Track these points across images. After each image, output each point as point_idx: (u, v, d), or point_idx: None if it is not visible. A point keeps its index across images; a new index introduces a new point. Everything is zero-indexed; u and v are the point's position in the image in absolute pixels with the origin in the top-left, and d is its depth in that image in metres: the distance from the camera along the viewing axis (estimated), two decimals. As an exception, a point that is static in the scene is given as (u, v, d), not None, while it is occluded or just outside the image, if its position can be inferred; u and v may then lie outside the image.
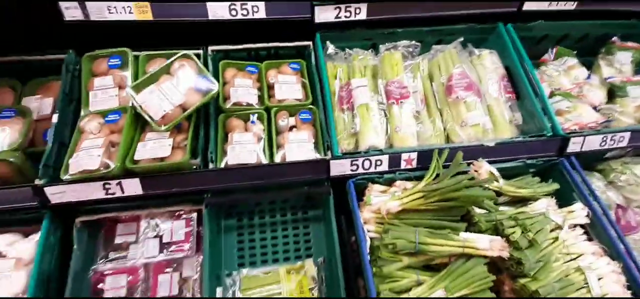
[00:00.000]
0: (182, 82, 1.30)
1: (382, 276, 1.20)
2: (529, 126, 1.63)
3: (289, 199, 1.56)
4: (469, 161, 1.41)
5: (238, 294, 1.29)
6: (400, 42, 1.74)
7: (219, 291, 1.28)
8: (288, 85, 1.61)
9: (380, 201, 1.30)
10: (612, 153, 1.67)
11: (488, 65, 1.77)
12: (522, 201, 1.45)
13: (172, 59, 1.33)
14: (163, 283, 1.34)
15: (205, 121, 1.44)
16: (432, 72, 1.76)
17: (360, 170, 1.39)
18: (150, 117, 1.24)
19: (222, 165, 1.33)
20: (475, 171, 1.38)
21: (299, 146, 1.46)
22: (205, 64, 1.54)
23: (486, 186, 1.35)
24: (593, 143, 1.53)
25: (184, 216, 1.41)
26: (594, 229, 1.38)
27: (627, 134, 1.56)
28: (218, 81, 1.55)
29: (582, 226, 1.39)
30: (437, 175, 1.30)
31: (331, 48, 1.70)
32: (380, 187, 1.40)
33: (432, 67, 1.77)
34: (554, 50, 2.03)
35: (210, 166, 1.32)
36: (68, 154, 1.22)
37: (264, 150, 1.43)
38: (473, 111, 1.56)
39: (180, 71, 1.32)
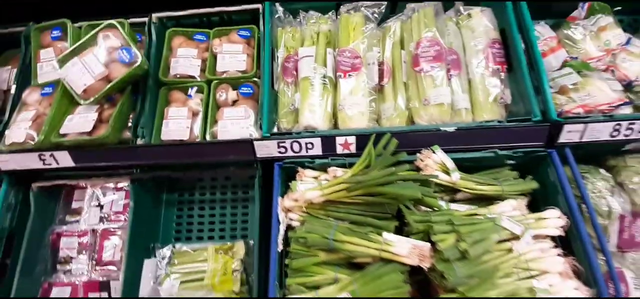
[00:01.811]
0: (104, 54, 1.27)
1: (294, 270, 1.13)
2: (519, 106, 1.32)
3: (231, 178, 1.53)
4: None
5: (166, 270, 1.34)
6: (365, 2, 1.49)
7: (147, 263, 1.34)
8: (232, 55, 1.50)
9: (306, 188, 1.19)
10: (632, 146, 1.29)
11: (477, 28, 1.44)
12: (489, 200, 1.21)
13: (96, 29, 1.30)
14: (108, 247, 1.44)
15: (144, 94, 1.43)
16: (405, 39, 1.49)
17: (290, 153, 1.28)
18: (73, 90, 1.26)
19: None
20: (421, 160, 1.18)
21: (233, 123, 1.38)
22: (149, 33, 1.50)
23: (436, 180, 1.15)
24: (600, 133, 1.19)
25: (125, 188, 1.46)
26: (576, 243, 1.11)
27: (656, 123, 1.17)
28: (162, 51, 1.52)
29: (560, 237, 1.13)
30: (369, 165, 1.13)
31: (281, 11, 1.52)
32: (313, 172, 1.28)
33: (405, 32, 1.49)
34: (586, 5, 1.57)
35: (139, 141, 1.32)
36: (7, 126, 1.31)
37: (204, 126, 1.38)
38: (438, 86, 1.30)
39: (104, 42, 1.29)
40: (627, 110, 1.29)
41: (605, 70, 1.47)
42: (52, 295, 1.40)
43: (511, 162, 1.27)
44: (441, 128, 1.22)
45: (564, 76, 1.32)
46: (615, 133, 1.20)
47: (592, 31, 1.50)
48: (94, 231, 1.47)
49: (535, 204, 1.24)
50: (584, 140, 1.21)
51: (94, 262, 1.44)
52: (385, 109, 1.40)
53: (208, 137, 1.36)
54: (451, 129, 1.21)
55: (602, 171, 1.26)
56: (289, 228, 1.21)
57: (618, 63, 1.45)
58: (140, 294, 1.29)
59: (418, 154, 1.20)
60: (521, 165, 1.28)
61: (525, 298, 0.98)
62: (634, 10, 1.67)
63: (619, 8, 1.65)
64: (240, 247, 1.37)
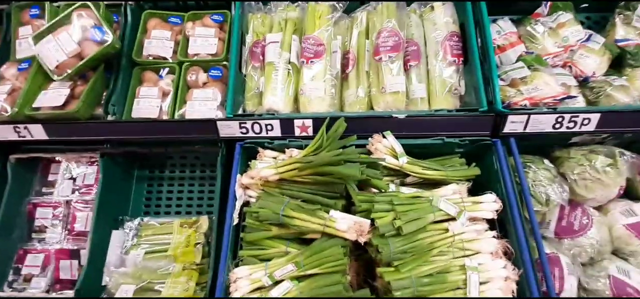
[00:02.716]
0: (77, 33, 1.35)
1: (248, 242, 1.22)
2: (472, 98, 1.40)
3: (200, 157, 1.61)
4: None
5: (134, 241, 1.43)
6: (334, -9, 1.55)
7: (115, 234, 1.43)
8: (203, 39, 1.57)
9: (263, 167, 1.27)
10: (579, 138, 1.37)
11: (438, 20, 1.51)
12: (435, 184, 1.29)
13: (71, 8, 1.37)
14: (80, 218, 1.53)
15: (117, 73, 1.50)
16: (370, 28, 1.55)
17: (251, 134, 1.35)
18: (47, 66, 1.33)
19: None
20: (372, 144, 1.25)
21: (201, 104, 1.46)
22: (124, 13, 1.57)
23: (384, 163, 1.23)
24: (543, 124, 1.27)
25: (97, 162, 1.55)
26: (510, 227, 1.19)
27: (595, 116, 1.24)
28: (137, 32, 1.59)
29: (499, 222, 1.21)
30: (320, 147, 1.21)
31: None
32: (272, 153, 1.36)
33: (370, 22, 1.56)
34: (549, 2, 1.63)
35: (109, 117, 1.40)
36: (-17, 98, 1.39)
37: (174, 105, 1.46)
38: (395, 76, 1.37)
39: (78, 21, 1.36)
40: (576, 103, 1.37)
41: (563, 66, 1.54)
42: (26, 262, 1.49)
43: (460, 150, 1.35)
44: (393, 115, 1.29)
45: (516, 69, 1.39)
46: (557, 125, 1.27)
47: (552, 27, 1.56)
48: (67, 202, 1.56)
49: (481, 189, 1.32)
50: (527, 131, 1.28)
51: (67, 232, 1.53)
52: (348, 96, 1.48)
53: (177, 117, 1.44)
54: (402, 116, 1.29)
55: (546, 161, 1.33)
56: (247, 204, 1.30)
57: (575, 59, 1.52)
58: (107, 262, 1.38)
59: (370, 139, 1.28)
60: (470, 153, 1.36)
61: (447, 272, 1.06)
62: (600, 8, 1.73)
63: (586, 5, 1.72)
64: (204, 221, 1.46)
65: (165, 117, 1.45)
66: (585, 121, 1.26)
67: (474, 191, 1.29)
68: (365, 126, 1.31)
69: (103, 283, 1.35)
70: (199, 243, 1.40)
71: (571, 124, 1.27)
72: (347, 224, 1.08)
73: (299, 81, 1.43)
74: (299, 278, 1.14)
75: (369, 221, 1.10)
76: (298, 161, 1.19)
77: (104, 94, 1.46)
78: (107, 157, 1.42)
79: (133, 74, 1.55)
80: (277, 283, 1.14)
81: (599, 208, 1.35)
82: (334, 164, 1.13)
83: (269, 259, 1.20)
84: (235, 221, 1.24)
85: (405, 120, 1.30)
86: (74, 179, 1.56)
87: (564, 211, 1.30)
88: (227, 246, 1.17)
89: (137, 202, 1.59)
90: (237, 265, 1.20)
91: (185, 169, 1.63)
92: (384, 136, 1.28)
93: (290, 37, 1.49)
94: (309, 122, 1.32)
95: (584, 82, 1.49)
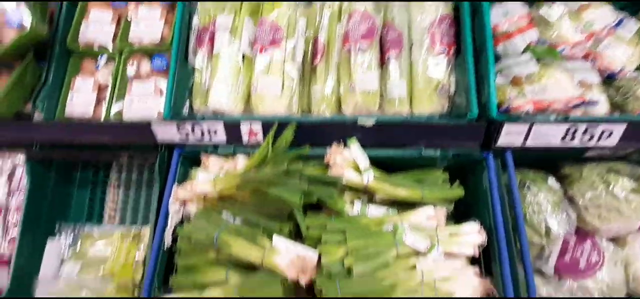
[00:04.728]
0: (-10, 17, 1.16)
1: (183, 267, 1.06)
2: (463, 97, 1.15)
3: (149, 159, 1.44)
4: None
5: (70, 251, 1.30)
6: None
7: (50, 244, 1.31)
8: (148, 22, 1.37)
9: (205, 178, 1.09)
10: (597, 152, 1.11)
11: (426, 3, 1.23)
12: (410, 204, 1.08)
13: (-16, -13, 1.19)
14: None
15: (49, 63, 1.33)
16: (343, 10, 1.30)
17: (192, 139, 1.17)
18: (-42, 56, 1.17)
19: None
20: (330, 156, 1.04)
21: (140, 100, 1.27)
22: (59, -11, 1.37)
23: (343, 182, 1.03)
24: (549, 136, 1.02)
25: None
26: (495, 264, 0.98)
27: (619, 128, 0.98)
28: (74, 17, 1.40)
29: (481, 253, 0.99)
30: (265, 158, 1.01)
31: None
32: (219, 160, 1.17)
33: (344, 3, 1.30)
34: (571, -24, 1.32)
35: (36, 115, 1.24)
36: None
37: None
38: (367, 70, 1.13)
39: (-7, 3, 1.18)
40: (596, 110, 1.10)
41: (585, 57, 1.26)
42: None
43: (444, 163, 1.12)
44: (359, 121, 1.07)
45: (521, 63, 1.12)
46: (568, 138, 1.02)
47: (572, 10, 1.26)
48: (7, 206, 1.44)
49: (467, 213, 1.10)
50: (529, 144, 1.04)
51: (7, 238, 1.42)
52: (315, 93, 1.26)
53: (113, 115, 1.26)
54: (370, 122, 1.06)
55: (550, 181, 1.09)
56: (188, 219, 1.13)
57: (600, 50, 1.23)
58: (41, 275, 1.26)
59: (328, 149, 1.07)
60: (459, 167, 1.13)
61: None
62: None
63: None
64: (147, 234, 1.31)
65: (101, 115, 1.28)
66: (606, 134, 1.00)
67: (459, 215, 1.07)
68: (325, 133, 1.10)
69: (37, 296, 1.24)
70: (138, 260, 1.25)
71: (587, 137, 1.01)
72: (287, 259, 0.90)
73: (251, 74, 1.21)
74: (236, 315, 0.98)
75: (316, 256, 0.92)
76: (237, 177, 1.00)
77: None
78: (35, 160, 1.27)
79: (70, 64, 1.37)
80: (210, 318, 0.99)
81: (615, 239, 1.11)
82: (274, 184, 0.93)
83: (204, 286, 1.04)
84: (169, 242, 1.07)
85: (375, 127, 1.07)
86: (10, 180, 1.43)
87: (568, 243, 1.07)
88: (152, 271, 1.02)
89: (79, 208, 1.45)
90: (169, 292, 1.05)
91: (132, 173, 1.47)
92: (345, 146, 1.07)
93: (243, 19, 1.26)
94: (257, 127, 1.11)
95: (609, 79, 1.21)
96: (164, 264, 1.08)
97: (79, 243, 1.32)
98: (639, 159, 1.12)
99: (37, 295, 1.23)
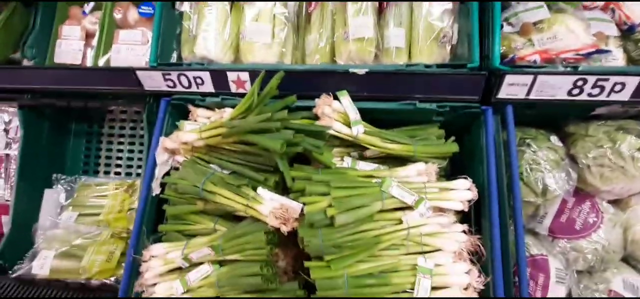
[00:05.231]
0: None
1: (173, 216, 1.07)
2: (465, 48, 1.07)
3: (141, 112, 1.43)
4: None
5: (68, 201, 1.33)
6: None
7: (47, 193, 1.34)
8: (134, -35, 1.30)
9: (188, 129, 1.07)
10: (607, 109, 1.03)
11: (432, -62, 1.12)
12: (403, 160, 1.04)
13: None
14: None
15: (36, 8, 1.29)
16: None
17: (179, 88, 1.14)
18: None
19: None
20: (318, 107, 1.00)
21: (128, 49, 1.24)
22: None
23: (331, 132, 0.99)
24: (555, 89, 0.94)
25: (28, 113, 1.41)
26: (485, 221, 0.95)
27: (633, 80, 0.90)
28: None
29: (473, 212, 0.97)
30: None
31: None
32: (207, 112, 1.14)
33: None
34: None
35: (25, 62, 1.23)
36: None
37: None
38: (362, 16, 1.06)
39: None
40: (610, 61, 1.01)
41: (604, 9, 1.14)
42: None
43: (440, 118, 1.07)
44: (350, 70, 1.01)
45: (530, 10, 1.02)
46: (576, 91, 0.94)
47: (596, -50, 1.13)
48: (7, 155, 1.47)
49: (463, 172, 1.06)
50: (532, 97, 0.97)
51: (10, 187, 1.46)
52: (309, 43, 1.20)
53: (102, 64, 1.24)
54: (361, 71, 1.00)
55: (553, 138, 1.03)
56: (177, 169, 1.13)
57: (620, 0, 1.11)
58: (39, 223, 1.31)
59: (317, 100, 1.02)
60: (458, 123, 1.08)
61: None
62: None
63: None
64: (139, 185, 1.33)
65: (90, 62, 1.25)
66: (618, 87, 0.92)
67: (456, 174, 1.03)
68: (319, 83, 1.05)
69: (35, 245, 1.29)
70: (133, 209, 1.27)
71: (596, 91, 0.94)
72: (270, 208, 0.89)
73: (240, 22, 1.15)
74: (221, 262, 1.00)
75: (299, 207, 0.90)
76: (222, 126, 0.98)
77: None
78: (27, 109, 1.27)
79: (58, 10, 1.34)
80: (197, 264, 1.01)
81: (617, 201, 1.06)
82: (256, 131, 0.90)
83: (193, 235, 1.06)
84: (157, 191, 1.08)
85: (367, 77, 1.01)
86: (7, 131, 1.45)
87: (566, 204, 1.03)
88: (140, 218, 1.03)
89: (76, 159, 1.47)
90: (159, 240, 1.08)
91: (126, 125, 1.46)
92: (336, 98, 1.02)
93: (236, -37, 1.18)
94: (245, 76, 1.07)
95: (628, 32, 1.10)
96: (154, 213, 1.09)
97: (75, 193, 1.35)
98: (653, 118, 1.04)
99: (37, 240, 1.28)
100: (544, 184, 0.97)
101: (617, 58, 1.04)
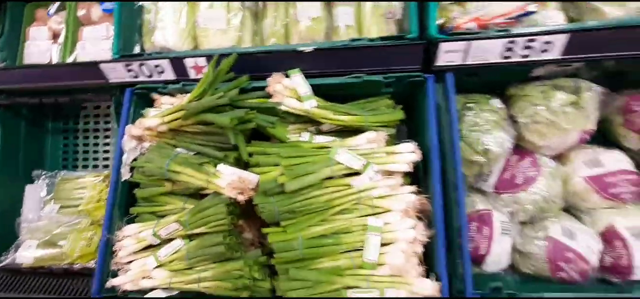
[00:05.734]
0: None
1: (144, 199, 1.15)
2: (409, 22, 1.13)
3: (111, 106, 1.49)
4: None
5: (49, 195, 1.40)
6: None
7: (28, 189, 1.41)
8: (94, -37, 1.34)
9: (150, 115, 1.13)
10: (544, 70, 1.09)
11: None
12: (355, 131, 1.11)
13: None
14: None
15: (4, 11, 1.34)
16: None
17: (142, 77, 1.20)
18: None
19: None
20: (270, 85, 1.07)
21: (93, 44, 1.29)
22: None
23: (283, 108, 1.06)
24: (487, 53, 1.01)
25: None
26: (429, 180, 1.02)
27: (560, 38, 0.96)
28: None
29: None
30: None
31: None
32: (170, 99, 1.20)
33: None
34: None
35: (-5, 64, 1.28)
36: None
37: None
38: (309, -2, 1.12)
39: None
40: (544, 21, 1.06)
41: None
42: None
43: (389, 90, 1.13)
44: (298, 48, 1.07)
45: (467, -20, 1.08)
46: (508, 53, 1.01)
47: None
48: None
49: (416, 137, 1.13)
50: (469, 62, 1.03)
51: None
52: (265, 28, 1.26)
53: (70, 60, 1.29)
54: (309, 49, 1.07)
55: (493, 102, 1.10)
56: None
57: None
58: (22, 217, 1.38)
59: (268, 79, 1.09)
60: (405, 94, 1.14)
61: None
62: None
63: None
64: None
65: (58, 60, 1.31)
66: (546, 46, 0.98)
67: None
68: (273, 64, 1.11)
69: (19, 237, 1.36)
70: (109, 198, 1.34)
71: (526, 52, 1.00)
72: (228, 180, 0.96)
73: (196, 10, 1.21)
74: (191, 237, 1.07)
75: (256, 178, 0.98)
76: (181, 108, 1.05)
77: None
78: (2, 109, 1.34)
79: (25, 12, 1.39)
80: (170, 241, 1.09)
81: (559, 156, 1.14)
82: (209, 110, 0.97)
83: (163, 215, 1.14)
84: (126, 176, 1.15)
85: (316, 54, 1.08)
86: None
87: (509, 162, 1.10)
88: (111, 201, 1.10)
89: (55, 156, 1.54)
90: (132, 221, 1.15)
91: (100, 120, 1.53)
92: (287, 76, 1.08)
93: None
94: (202, 61, 1.13)
95: (568, -6, 1.16)
96: (126, 198, 1.16)
97: (56, 187, 1.42)
98: (589, 76, 1.11)
99: (21, 232, 1.36)
100: (484, 144, 1.04)
101: (556, 19, 1.09)
